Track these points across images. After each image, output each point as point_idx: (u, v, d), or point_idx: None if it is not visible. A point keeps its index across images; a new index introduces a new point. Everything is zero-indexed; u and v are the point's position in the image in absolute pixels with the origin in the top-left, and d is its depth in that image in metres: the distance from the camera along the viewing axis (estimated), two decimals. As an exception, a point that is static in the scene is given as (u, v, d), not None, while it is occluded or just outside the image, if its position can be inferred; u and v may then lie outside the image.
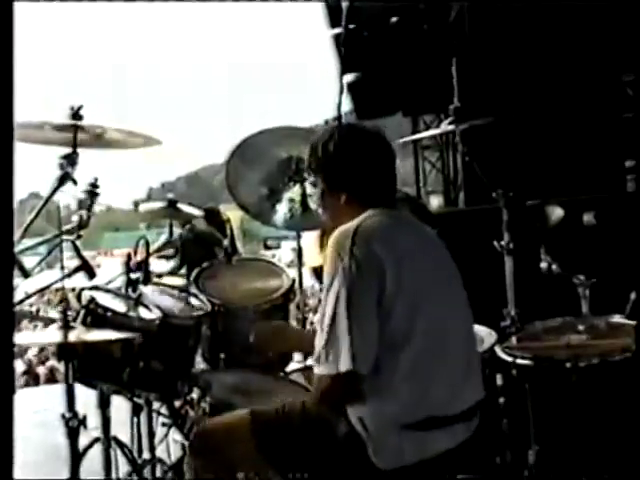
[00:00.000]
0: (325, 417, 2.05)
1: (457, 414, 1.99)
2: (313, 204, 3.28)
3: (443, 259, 2.14)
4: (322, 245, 4.19)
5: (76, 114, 2.31)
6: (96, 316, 2.71)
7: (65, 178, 2.25)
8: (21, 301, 2.32)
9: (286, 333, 2.52)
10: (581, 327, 2.71)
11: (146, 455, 3.06)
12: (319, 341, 1.97)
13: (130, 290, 2.90)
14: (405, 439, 1.94)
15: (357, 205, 2.10)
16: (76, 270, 2.35)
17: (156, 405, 3.17)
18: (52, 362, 10.24)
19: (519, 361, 2.60)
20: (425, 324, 1.96)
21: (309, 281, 4.48)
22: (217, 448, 2.15)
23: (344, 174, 2.13)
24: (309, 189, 3.29)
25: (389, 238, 2.00)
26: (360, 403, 1.98)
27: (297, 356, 3.42)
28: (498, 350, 2.70)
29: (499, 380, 2.77)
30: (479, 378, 2.13)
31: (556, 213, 3.87)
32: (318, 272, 4.28)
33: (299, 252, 3.43)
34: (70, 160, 2.26)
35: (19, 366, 10.18)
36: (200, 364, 3.29)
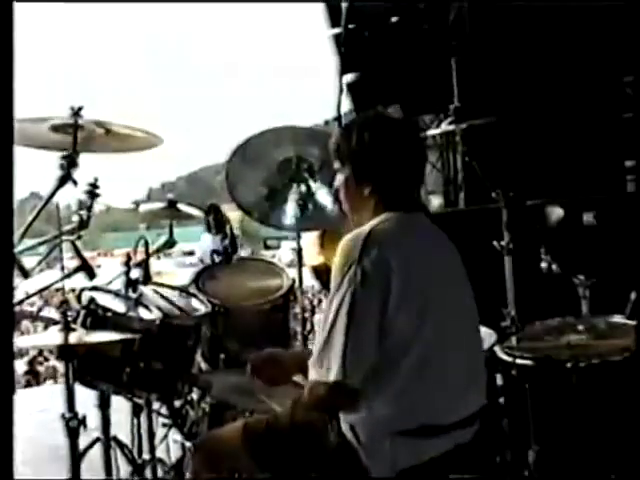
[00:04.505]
0: (315, 426, 2.03)
1: (456, 422, 1.96)
2: (317, 201, 3.28)
3: (455, 268, 2.10)
4: (322, 245, 4.20)
5: (76, 114, 2.31)
6: (96, 317, 2.71)
7: (65, 178, 2.25)
8: (21, 301, 2.32)
9: (281, 362, 2.41)
10: (581, 327, 2.71)
11: (146, 455, 3.06)
12: (316, 346, 1.96)
13: (130, 290, 2.90)
14: (400, 446, 1.91)
15: (378, 201, 2.06)
16: (76, 270, 2.35)
17: (156, 405, 3.18)
18: (52, 362, 10.26)
19: (519, 361, 2.60)
20: (428, 334, 1.93)
21: (309, 281, 4.48)
22: (215, 462, 2.15)
23: (375, 164, 2.06)
24: (309, 187, 3.30)
25: (400, 247, 1.96)
26: (352, 412, 1.95)
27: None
28: (498, 350, 2.70)
29: (499, 380, 2.76)
30: (482, 385, 2.10)
31: (556, 213, 3.87)
32: (318, 271, 4.28)
33: (299, 252, 3.42)
34: (70, 160, 2.26)
35: (19, 366, 10.18)
36: (200, 364, 3.29)
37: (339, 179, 2.15)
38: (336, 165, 2.16)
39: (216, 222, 7.05)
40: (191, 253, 7.22)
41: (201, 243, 7.59)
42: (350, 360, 1.88)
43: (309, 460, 2.04)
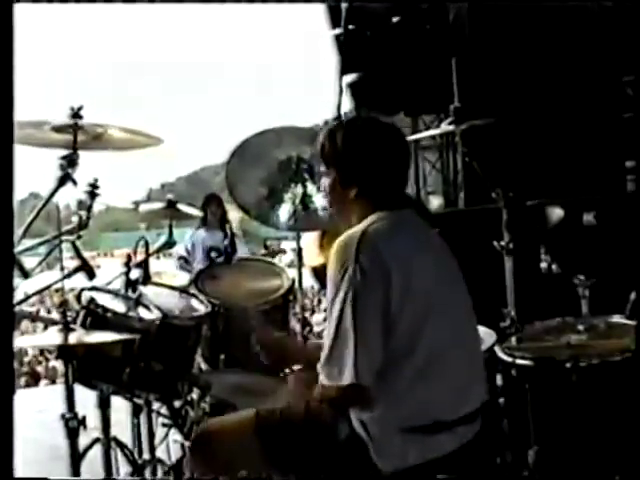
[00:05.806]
0: (328, 420, 2.03)
1: (461, 417, 1.99)
2: (317, 202, 3.28)
3: (448, 264, 2.12)
4: (322, 245, 4.20)
5: (76, 114, 2.31)
6: (96, 317, 2.71)
7: (65, 179, 2.25)
8: (21, 301, 2.32)
9: (287, 345, 2.44)
10: (581, 327, 2.71)
11: (146, 456, 3.06)
12: (324, 349, 1.97)
13: (130, 290, 2.90)
14: (408, 442, 1.93)
15: (366, 202, 2.07)
16: (76, 270, 2.35)
17: (156, 405, 3.18)
18: (52, 362, 10.25)
19: (519, 361, 2.60)
20: (431, 331, 1.94)
21: (309, 281, 4.48)
22: (220, 448, 2.13)
23: (360, 167, 2.07)
24: (310, 187, 3.29)
25: (396, 244, 1.97)
26: (364, 410, 1.96)
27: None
28: (498, 350, 2.70)
29: (499, 380, 2.76)
30: (483, 381, 2.13)
31: (556, 213, 3.87)
32: (317, 271, 4.28)
33: (299, 252, 3.42)
34: (70, 161, 2.26)
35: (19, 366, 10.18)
36: (200, 364, 3.29)
37: (325, 181, 2.17)
38: (322, 167, 2.18)
39: (216, 215, 6.22)
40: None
41: (188, 240, 6.43)
42: (361, 360, 1.89)
43: (320, 454, 2.04)
